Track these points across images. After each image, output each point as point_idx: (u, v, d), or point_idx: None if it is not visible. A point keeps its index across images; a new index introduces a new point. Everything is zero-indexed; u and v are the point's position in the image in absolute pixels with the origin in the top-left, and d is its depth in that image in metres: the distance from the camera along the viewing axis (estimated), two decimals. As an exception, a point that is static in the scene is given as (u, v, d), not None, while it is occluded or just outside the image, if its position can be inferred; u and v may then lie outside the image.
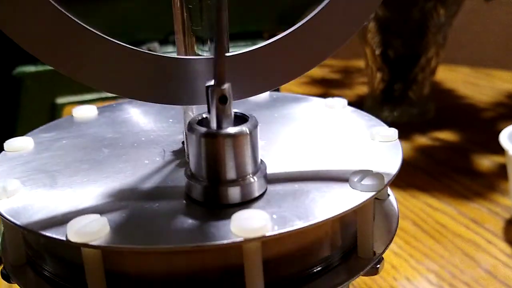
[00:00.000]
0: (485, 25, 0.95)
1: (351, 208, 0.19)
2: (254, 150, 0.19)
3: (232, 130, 0.19)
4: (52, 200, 0.20)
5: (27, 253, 0.21)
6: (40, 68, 0.51)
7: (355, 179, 0.20)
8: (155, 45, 0.55)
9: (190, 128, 0.19)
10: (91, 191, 0.20)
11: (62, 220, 0.18)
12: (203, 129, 0.19)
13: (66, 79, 0.19)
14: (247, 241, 0.17)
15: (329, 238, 0.20)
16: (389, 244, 0.22)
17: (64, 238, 0.17)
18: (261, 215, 0.17)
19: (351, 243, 0.21)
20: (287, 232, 0.17)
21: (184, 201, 0.19)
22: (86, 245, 0.17)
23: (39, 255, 0.21)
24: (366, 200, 0.19)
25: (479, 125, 0.69)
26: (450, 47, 0.69)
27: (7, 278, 0.21)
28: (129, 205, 0.19)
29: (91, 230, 0.17)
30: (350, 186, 0.20)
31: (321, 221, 0.18)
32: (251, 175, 0.19)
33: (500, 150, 0.45)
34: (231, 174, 0.19)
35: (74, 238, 0.17)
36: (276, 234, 0.17)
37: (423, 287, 0.40)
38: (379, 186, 0.20)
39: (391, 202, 0.24)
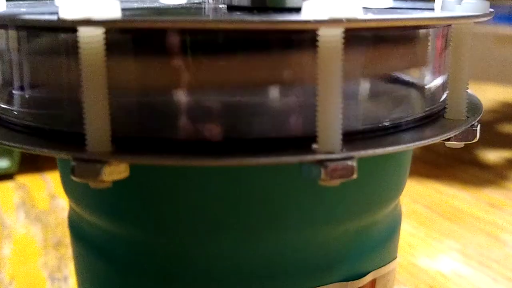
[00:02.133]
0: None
1: (449, 18, 0.13)
2: None
3: None
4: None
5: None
6: None
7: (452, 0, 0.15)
8: None
9: None
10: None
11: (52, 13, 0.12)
12: None
13: None
14: (330, 23, 0.11)
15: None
16: (480, 115, 0.16)
17: (55, 18, 0.11)
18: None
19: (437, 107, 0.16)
20: (386, 20, 0.12)
21: (225, 10, 0.14)
22: (87, 22, 0.11)
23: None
24: (466, 19, 0.14)
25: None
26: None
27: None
28: (147, 10, 0.14)
29: (94, 6, 0.11)
30: (445, 9, 0.15)
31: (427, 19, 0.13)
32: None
33: (505, 145, 0.41)
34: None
35: (69, 14, 0.11)
36: (370, 20, 0.12)
37: (447, 265, 0.35)
38: (483, 9, 0.15)
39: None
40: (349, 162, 0.12)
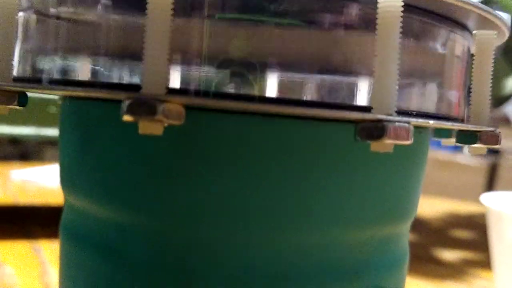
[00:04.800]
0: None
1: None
2: None
3: None
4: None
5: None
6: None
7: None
8: None
9: None
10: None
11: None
12: None
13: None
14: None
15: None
16: (498, 127, 0.17)
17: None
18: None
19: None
20: None
21: None
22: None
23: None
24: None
25: (426, 229, 0.67)
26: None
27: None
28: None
29: None
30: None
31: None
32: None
33: (458, 247, 0.42)
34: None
35: None
36: None
37: None
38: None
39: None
40: (407, 125, 0.12)
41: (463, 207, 0.84)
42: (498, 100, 0.61)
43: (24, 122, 0.46)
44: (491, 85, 0.16)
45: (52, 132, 0.46)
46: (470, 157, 1.29)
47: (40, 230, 0.50)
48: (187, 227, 0.15)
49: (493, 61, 0.16)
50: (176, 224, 0.15)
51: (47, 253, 0.43)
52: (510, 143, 1.26)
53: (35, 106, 0.46)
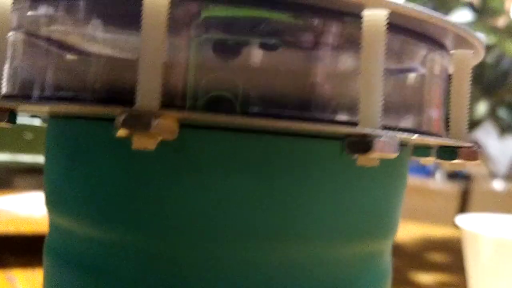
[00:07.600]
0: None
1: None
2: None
3: None
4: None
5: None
6: None
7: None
8: None
9: None
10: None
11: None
12: None
13: None
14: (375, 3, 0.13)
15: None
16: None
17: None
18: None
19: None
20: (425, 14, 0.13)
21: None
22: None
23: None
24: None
25: (402, 253, 0.68)
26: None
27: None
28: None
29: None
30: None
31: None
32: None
33: (433, 270, 0.43)
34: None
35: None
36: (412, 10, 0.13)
37: None
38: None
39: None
40: (393, 139, 0.13)
41: (437, 231, 0.85)
42: (469, 125, 0.63)
43: (-1, 148, 0.46)
44: (468, 103, 0.17)
45: (28, 158, 0.46)
46: (442, 183, 1.31)
47: (13, 259, 0.49)
48: (177, 244, 0.15)
49: (470, 79, 0.17)
50: (165, 241, 0.15)
51: (22, 282, 0.42)
52: (481, 169, 1.28)
53: (11, 132, 0.46)
